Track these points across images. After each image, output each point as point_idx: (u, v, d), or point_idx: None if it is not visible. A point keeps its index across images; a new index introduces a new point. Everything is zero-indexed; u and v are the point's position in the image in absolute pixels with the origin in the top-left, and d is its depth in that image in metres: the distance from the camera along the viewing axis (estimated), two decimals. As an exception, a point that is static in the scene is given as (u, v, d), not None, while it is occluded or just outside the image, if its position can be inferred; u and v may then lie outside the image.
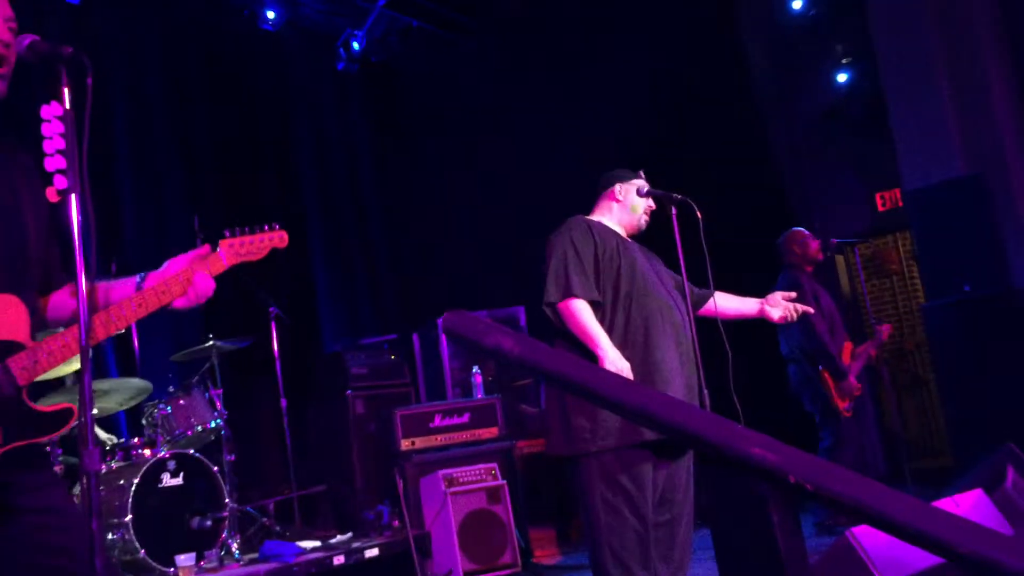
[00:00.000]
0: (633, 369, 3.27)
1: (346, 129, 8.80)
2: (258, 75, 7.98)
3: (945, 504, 3.07)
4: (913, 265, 8.58)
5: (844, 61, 8.26)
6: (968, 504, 3.14)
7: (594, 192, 3.82)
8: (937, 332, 6.38)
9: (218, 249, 2.54)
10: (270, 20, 7.76)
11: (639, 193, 3.69)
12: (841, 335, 5.87)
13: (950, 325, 6.40)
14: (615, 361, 3.20)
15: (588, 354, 3.24)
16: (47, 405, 2.09)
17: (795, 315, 3.82)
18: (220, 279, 2.57)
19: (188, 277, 2.35)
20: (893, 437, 7.01)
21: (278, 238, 2.68)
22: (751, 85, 8.66)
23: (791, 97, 8.81)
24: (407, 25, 8.69)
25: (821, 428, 5.77)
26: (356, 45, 8.42)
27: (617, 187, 3.72)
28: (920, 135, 7.06)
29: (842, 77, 8.26)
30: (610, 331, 3.36)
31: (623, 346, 3.33)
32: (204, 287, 2.39)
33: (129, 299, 2.27)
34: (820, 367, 5.66)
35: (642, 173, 3.79)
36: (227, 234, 2.58)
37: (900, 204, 7.94)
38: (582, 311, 3.33)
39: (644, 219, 3.72)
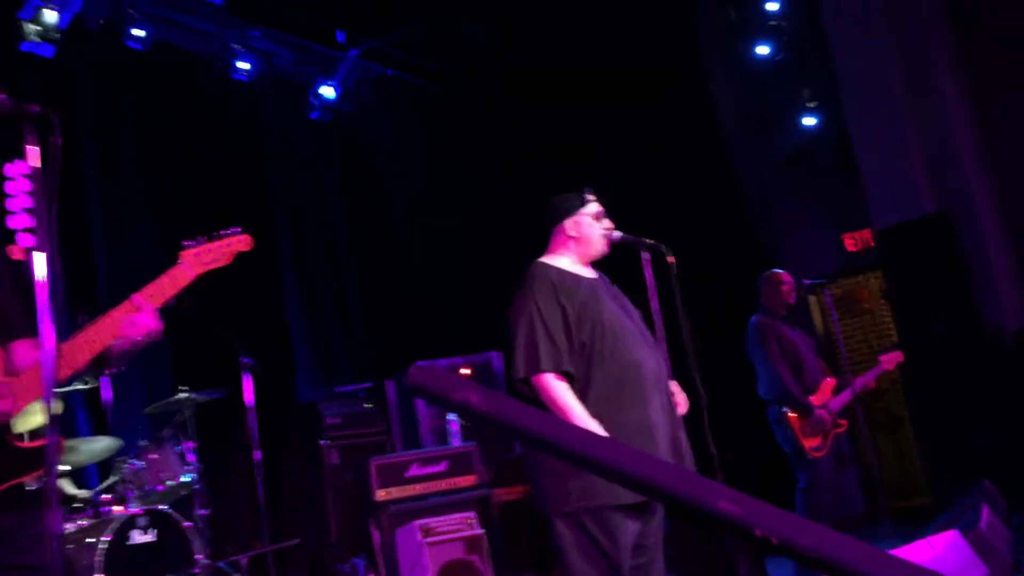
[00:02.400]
0: (615, 429, 3.17)
1: (319, 177, 8.83)
2: (231, 125, 8.01)
3: (920, 546, 3.07)
4: (884, 304, 8.66)
5: (810, 105, 8.39)
6: (943, 545, 3.14)
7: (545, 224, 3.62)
8: (911, 371, 6.43)
9: (180, 260, 2.49)
10: (243, 71, 7.79)
11: (611, 240, 3.56)
12: (817, 373, 5.88)
13: (923, 363, 6.45)
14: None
15: None
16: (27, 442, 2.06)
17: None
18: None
19: (111, 323, 2.31)
20: (870, 476, 7.02)
21: (241, 241, 2.63)
22: (720, 128, 8.78)
23: (759, 140, 8.93)
24: (380, 74, 8.77)
25: (796, 469, 5.77)
26: (329, 94, 8.47)
27: (568, 223, 3.53)
28: (888, 175, 7.18)
29: (809, 121, 8.39)
30: (586, 391, 3.24)
31: (601, 406, 3.21)
32: (135, 329, 2.33)
33: (64, 345, 2.23)
34: (785, 408, 5.68)
35: (589, 193, 3.60)
36: (185, 244, 2.52)
37: (870, 244, 8.04)
38: (554, 386, 3.20)
39: (603, 243, 3.55)
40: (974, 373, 6.38)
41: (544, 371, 3.21)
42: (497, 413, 1.20)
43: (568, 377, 3.26)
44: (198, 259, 2.51)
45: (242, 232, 2.63)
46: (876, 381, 6.03)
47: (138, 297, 2.36)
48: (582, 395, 3.25)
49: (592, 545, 3.18)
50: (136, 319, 2.31)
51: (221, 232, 2.58)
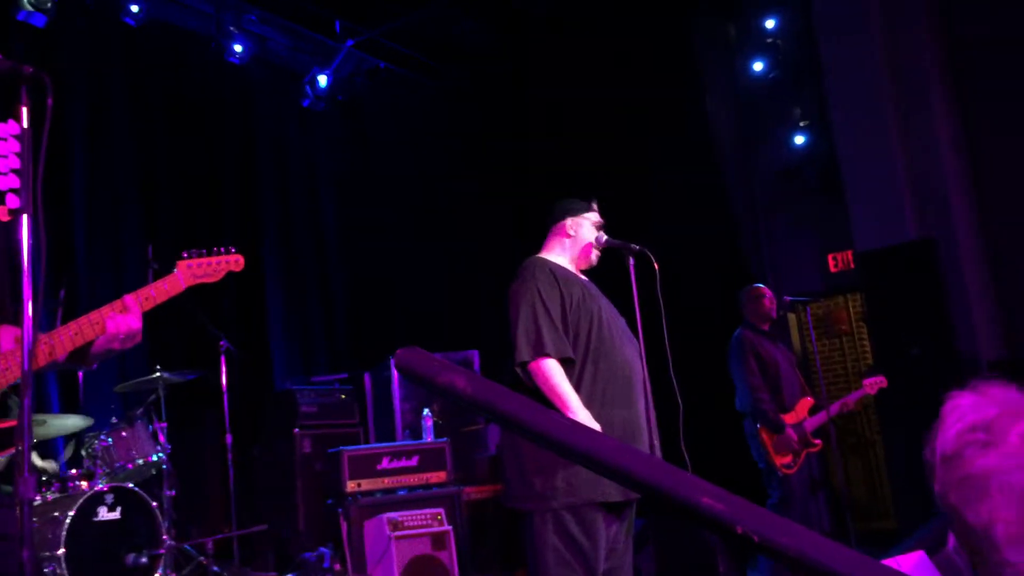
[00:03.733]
0: (603, 424, 3.19)
1: (308, 165, 8.79)
2: (222, 107, 7.96)
3: (888, 564, 3.08)
4: (862, 326, 8.71)
5: (802, 124, 8.44)
6: (909, 565, 3.15)
7: (544, 225, 3.69)
8: (883, 394, 6.45)
9: (175, 271, 2.55)
10: (237, 54, 7.75)
11: (598, 243, 3.61)
12: (796, 391, 5.90)
13: (897, 388, 6.49)
14: (586, 422, 3.08)
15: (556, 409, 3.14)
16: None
17: None
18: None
19: (99, 320, 2.33)
20: (839, 498, 7.06)
21: (234, 261, 2.71)
22: (712, 143, 8.81)
23: (750, 156, 8.97)
24: (375, 66, 8.75)
25: (767, 485, 5.79)
26: (323, 83, 8.45)
27: (568, 221, 3.61)
28: (873, 199, 7.23)
29: (799, 139, 8.44)
30: (577, 388, 3.26)
31: (591, 403, 3.24)
32: (119, 328, 2.35)
33: (45, 337, 2.24)
34: (758, 424, 5.70)
35: (595, 204, 3.68)
36: (184, 255, 2.60)
37: (852, 266, 8.08)
38: (554, 372, 3.21)
39: (595, 254, 3.62)
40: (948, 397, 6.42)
41: (548, 355, 3.23)
42: (482, 397, 1.20)
43: (567, 364, 3.28)
44: (191, 271, 2.58)
45: (236, 252, 2.70)
46: (855, 403, 6.05)
47: (130, 298, 2.40)
48: (575, 386, 3.26)
49: (570, 545, 3.18)
50: (122, 319, 2.34)
51: (217, 248, 2.65)
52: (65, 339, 2.25)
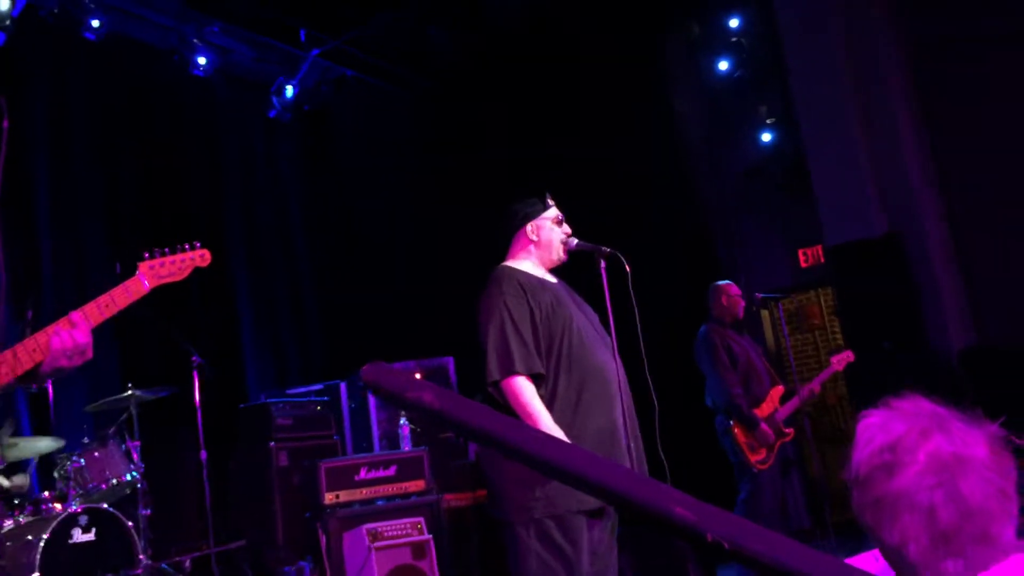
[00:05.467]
0: (581, 432, 3.19)
1: (276, 176, 8.74)
2: (187, 120, 7.90)
3: (865, 558, 3.10)
4: (834, 320, 8.78)
5: (768, 122, 8.50)
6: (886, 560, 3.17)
7: (505, 229, 3.64)
8: (858, 386, 6.52)
9: (137, 272, 2.46)
10: (201, 66, 7.68)
11: (567, 247, 3.58)
12: (766, 382, 5.93)
13: (870, 380, 6.54)
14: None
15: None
16: None
17: None
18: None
19: (43, 342, 2.23)
20: (816, 490, 7.12)
21: (199, 256, 2.62)
22: (680, 141, 8.85)
23: (718, 154, 9.03)
24: (340, 75, 8.71)
25: (739, 480, 5.82)
26: (288, 93, 8.40)
27: (528, 227, 3.57)
28: (840, 194, 7.30)
29: (766, 137, 8.50)
30: (552, 398, 3.24)
31: (567, 411, 3.22)
32: (64, 344, 2.26)
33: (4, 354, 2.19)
34: (732, 421, 5.72)
35: (549, 198, 3.64)
36: (146, 256, 2.50)
37: (822, 260, 8.15)
38: (524, 389, 3.19)
39: (562, 249, 3.57)
40: (920, 391, 6.48)
41: (517, 373, 3.21)
42: (450, 412, 1.19)
43: (539, 378, 3.27)
44: (154, 272, 2.48)
45: (201, 246, 2.61)
46: (822, 386, 6.08)
47: (77, 314, 2.28)
48: (549, 398, 3.25)
49: (555, 554, 3.17)
50: (67, 335, 2.23)
51: (181, 245, 2.55)
52: (21, 356, 2.20)
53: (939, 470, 1.21)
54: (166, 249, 2.54)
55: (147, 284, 2.45)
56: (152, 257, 2.50)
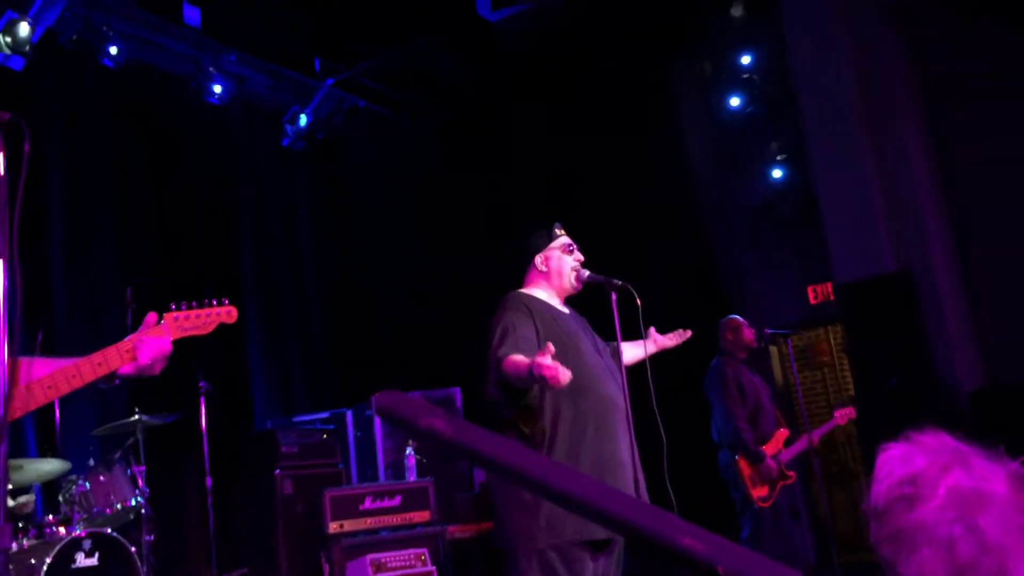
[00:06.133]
0: (586, 462, 3.17)
1: (288, 204, 8.79)
2: (201, 147, 7.97)
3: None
4: (844, 358, 8.74)
5: (779, 158, 8.52)
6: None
7: (516, 265, 3.66)
8: (866, 425, 6.48)
9: (162, 322, 2.47)
10: (216, 94, 7.77)
11: (579, 279, 3.58)
12: (772, 422, 5.90)
13: (878, 419, 6.50)
14: (543, 361, 2.82)
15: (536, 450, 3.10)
16: None
17: (680, 339, 3.93)
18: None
19: (131, 347, 2.29)
20: (824, 529, 7.05)
21: (226, 313, 2.61)
22: (690, 177, 8.88)
23: (728, 190, 9.04)
24: (353, 105, 8.79)
25: (740, 517, 5.76)
26: (302, 122, 8.47)
27: (538, 259, 3.59)
28: (850, 231, 7.28)
29: (777, 173, 8.52)
30: (557, 424, 3.22)
31: (574, 438, 3.20)
32: (157, 348, 2.32)
33: (63, 369, 2.20)
34: (736, 455, 5.69)
35: (558, 228, 3.64)
36: (173, 307, 2.50)
37: (831, 297, 8.13)
38: (512, 359, 3.10)
39: (574, 276, 3.56)
40: (929, 427, 6.43)
41: (500, 360, 3.15)
42: (462, 439, 1.19)
43: (540, 409, 3.24)
44: (178, 324, 2.49)
45: (228, 303, 2.61)
46: (819, 440, 6.07)
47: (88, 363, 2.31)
48: (553, 427, 3.23)
49: None
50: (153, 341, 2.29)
51: (209, 300, 2.56)
52: (61, 382, 2.21)
53: (959, 504, 1.21)
54: (193, 303, 2.54)
55: (169, 336, 2.45)
56: (179, 309, 2.51)
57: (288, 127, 8.51)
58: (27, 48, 6.37)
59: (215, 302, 2.58)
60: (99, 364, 2.27)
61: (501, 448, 1.17)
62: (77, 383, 2.24)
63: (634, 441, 3.40)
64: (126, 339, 2.34)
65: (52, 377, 2.19)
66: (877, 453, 1.34)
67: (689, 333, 4.00)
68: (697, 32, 8.75)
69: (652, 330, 3.86)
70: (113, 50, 6.99)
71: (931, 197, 7.22)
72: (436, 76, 8.67)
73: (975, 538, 1.18)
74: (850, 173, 7.29)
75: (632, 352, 3.81)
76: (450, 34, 8.24)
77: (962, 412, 6.71)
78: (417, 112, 9.00)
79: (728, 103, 8.72)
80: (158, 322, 2.46)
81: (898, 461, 1.29)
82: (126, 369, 2.32)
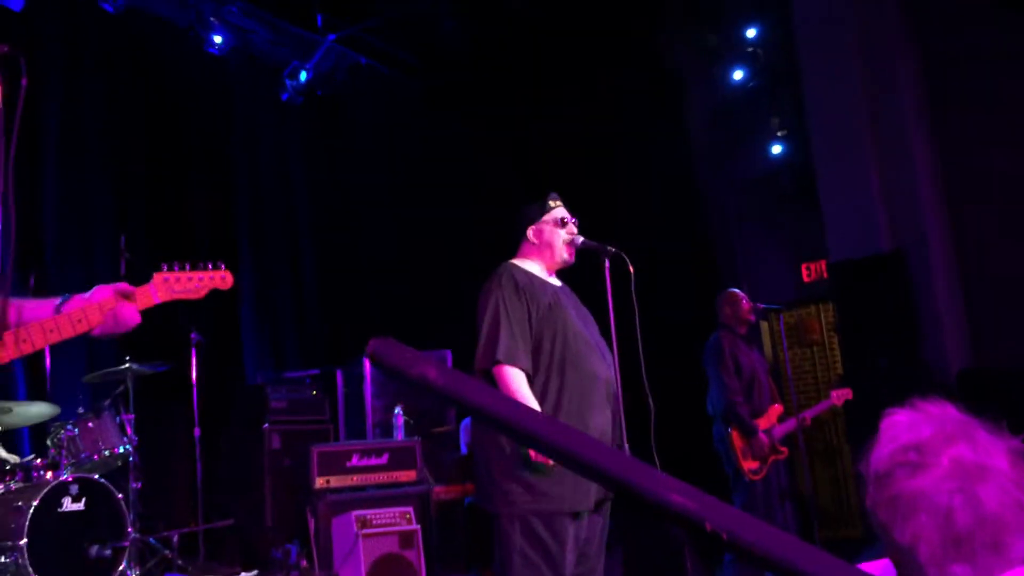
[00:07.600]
0: None
1: (284, 159, 8.73)
2: (199, 98, 7.90)
3: (871, 567, 3.10)
4: (833, 336, 8.77)
5: (779, 134, 8.49)
6: (876, 572, 3.17)
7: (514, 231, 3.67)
8: (851, 403, 6.51)
9: (150, 282, 2.38)
10: (216, 44, 7.69)
11: (573, 244, 3.59)
12: (767, 397, 5.94)
13: (866, 397, 6.54)
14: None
15: None
16: None
17: None
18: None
19: (110, 307, 2.24)
20: (805, 505, 7.11)
21: (220, 278, 2.51)
22: (689, 150, 8.85)
23: (727, 164, 9.01)
24: (355, 62, 8.71)
25: (733, 490, 5.82)
26: (303, 77, 8.40)
27: (530, 231, 3.59)
28: (847, 210, 7.28)
29: (776, 149, 8.49)
30: (544, 396, 3.27)
31: (557, 414, 3.24)
32: (127, 317, 2.28)
33: (41, 323, 2.17)
34: (730, 427, 5.73)
35: (554, 199, 3.63)
36: (164, 267, 2.39)
37: (824, 276, 8.14)
38: (513, 378, 3.22)
39: (567, 251, 3.57)
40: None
41: (500, 362, 3.24)
42: (454, 389, 1.19)
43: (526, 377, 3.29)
44: (167, 286, 2.39)
45: (224, 268, 2.50)
46: (811, 419, 6.12)
47: (76, 313, 2.25)
48: (538, 400, 3.27)
49: (538, 549, 3.18)
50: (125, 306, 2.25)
51: (204, 263, 2.45)
52: (38, 337, 2.19)
53: (961, 475, 1.22)
54: (187, 264, 2.43)
55: (157, 298, 2.37)
56: (170, 270, 2.40)
57: (288, 82, 8.43)
58: (26, -11, 6.30)
59: (210, 265, 2.48)
60: (79, 321, 2.23)
61: (491, 399, 1.17)
62: (54, 338, 2.20)
63: (621, 412, 3.43)
64: (107, 297, 2.27)
65: (28, 330, 2.16)
66: (882, 417, 1.35)
67: None
68: (704, 2, 8.69)
69: None
70: (113, -6, 6.92)
71: (929, 178, 7.22)
72: (438, 36, 8.59)
73: (973, 509, 1.20)
74: (849, 151, 7.28)
75: None
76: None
77: (951, 391, 6.75)
78: (419, 72, 8.93)
79: (731, 76, 8.67)
80: (146, 280, 2.39)
81: (904, 427, 1.30)
82: (97, 330, 2.28)
